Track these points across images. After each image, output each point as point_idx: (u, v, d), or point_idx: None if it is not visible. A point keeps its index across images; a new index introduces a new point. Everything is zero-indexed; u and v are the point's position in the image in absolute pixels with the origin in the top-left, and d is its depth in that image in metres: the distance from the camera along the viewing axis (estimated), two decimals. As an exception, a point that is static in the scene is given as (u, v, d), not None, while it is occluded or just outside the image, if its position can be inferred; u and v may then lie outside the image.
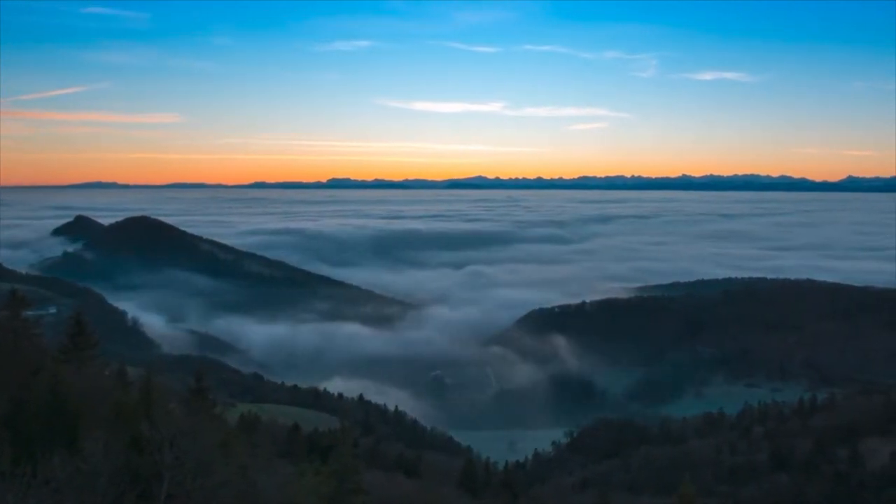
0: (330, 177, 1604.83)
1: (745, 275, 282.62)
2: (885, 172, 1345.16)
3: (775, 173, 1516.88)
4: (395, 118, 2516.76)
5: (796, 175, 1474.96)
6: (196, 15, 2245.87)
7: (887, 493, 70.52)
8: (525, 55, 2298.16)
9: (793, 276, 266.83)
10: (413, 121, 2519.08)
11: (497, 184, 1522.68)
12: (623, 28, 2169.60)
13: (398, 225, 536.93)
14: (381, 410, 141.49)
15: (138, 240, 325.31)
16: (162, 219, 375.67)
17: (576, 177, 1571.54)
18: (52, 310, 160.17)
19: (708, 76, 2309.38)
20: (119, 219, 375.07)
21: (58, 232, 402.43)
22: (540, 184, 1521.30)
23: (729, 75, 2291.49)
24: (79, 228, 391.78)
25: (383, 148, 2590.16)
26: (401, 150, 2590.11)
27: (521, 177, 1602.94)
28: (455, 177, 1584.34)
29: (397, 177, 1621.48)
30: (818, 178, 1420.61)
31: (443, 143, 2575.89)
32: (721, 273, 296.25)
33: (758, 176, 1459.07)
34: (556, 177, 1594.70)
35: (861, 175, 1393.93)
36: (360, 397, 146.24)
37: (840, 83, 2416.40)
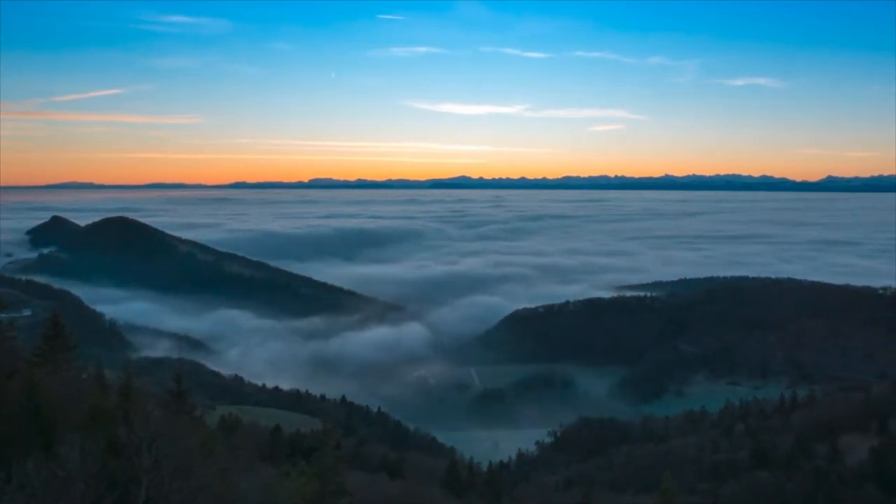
0: (311, 177, 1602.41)
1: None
2: (865, 172, 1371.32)
3: (757, 173, 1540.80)
4: (413, 120, 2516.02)
5: (777, 175, 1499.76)
6: (269, 20, 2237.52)
7: (865, 488, 71.22)
8: (574, 61, 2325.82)
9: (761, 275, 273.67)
10: (421, 122, 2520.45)
11: (479, 184, 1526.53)
12: (670, 35, 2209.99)
13: (355, 224, 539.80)
14: (363, 411, 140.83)
15: (115, 240, 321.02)
16: (140, 219, 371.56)
17: (559, 177, 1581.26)
18: (27, 312, 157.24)
19: (740, 82, 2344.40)
20: (97, 219, 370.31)
21: (33, 233, 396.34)
22: (523, 184, 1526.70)
23: (761, 81, 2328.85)
24: (54, 229, 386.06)
25: (382, 149, 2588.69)
26: (401, 150, 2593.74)
27: (504, 177, 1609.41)
28: (439, 177, 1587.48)
29: (380, 177, 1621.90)
30: (798, 178, 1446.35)
31: (451, 144, 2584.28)
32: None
33: (739, 176, 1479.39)
34: (540, 177, 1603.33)
35: (841, 175, 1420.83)
36: (343, 398, 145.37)
37: (833, 86, 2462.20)
